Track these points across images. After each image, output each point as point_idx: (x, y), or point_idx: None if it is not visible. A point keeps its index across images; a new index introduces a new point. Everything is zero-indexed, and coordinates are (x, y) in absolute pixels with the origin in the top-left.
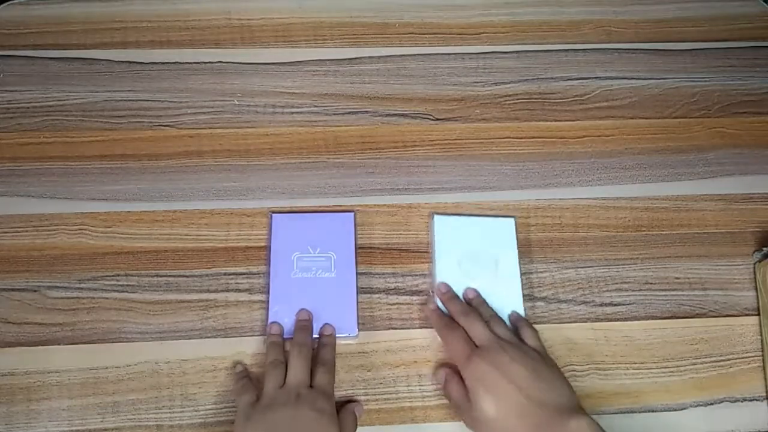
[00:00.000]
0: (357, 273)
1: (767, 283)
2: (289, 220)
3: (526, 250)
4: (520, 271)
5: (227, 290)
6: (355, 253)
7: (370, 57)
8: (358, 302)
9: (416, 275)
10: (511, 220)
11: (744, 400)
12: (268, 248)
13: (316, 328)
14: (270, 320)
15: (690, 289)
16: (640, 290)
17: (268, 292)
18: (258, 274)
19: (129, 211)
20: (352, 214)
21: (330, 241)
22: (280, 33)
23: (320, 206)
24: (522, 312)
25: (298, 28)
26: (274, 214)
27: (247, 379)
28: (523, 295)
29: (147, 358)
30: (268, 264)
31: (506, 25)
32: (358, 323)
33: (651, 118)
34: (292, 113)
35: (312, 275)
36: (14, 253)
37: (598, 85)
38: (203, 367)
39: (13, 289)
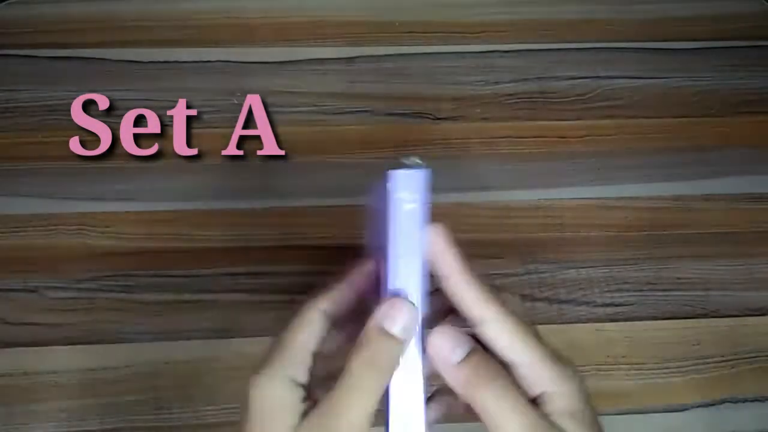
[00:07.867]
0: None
1: None
2: None
3: (526, 250)
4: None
5: (227, 290)
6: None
7: (369, 56)
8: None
9: None
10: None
11: (746, 401)
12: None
13: None
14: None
15: (692, 290)
16: (642, 290)
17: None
18: (258, 274)
19: (129, 211)
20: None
21: None
22: (280, 32)
23: (318, 205)
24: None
25: (298, 27)
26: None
27: None
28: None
29: (147, 358)
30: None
31: (507, 23)
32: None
33: (653, 117)
34: (292, 113)
35: None
36: (13, 253)
37: (599, 85)
38: (203, 367)
39: (11, 289)
